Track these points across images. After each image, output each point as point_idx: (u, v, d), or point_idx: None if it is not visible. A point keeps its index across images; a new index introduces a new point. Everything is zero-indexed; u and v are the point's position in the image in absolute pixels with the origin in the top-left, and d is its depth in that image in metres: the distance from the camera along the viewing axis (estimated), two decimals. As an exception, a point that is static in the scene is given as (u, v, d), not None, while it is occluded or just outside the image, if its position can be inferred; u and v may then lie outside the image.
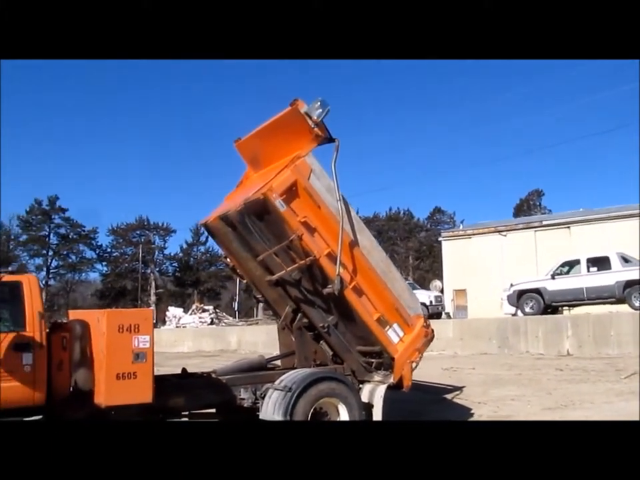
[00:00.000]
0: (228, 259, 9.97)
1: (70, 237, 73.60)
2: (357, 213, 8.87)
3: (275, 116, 8.52)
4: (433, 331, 9.08)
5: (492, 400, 11.96)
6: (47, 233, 72.93)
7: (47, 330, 7.21)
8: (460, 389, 13.17)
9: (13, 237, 72.67)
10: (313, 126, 8.03)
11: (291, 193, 7.93)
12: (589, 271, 20.68)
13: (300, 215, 7.98)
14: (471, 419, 10.38)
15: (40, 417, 6.91)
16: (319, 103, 7.99)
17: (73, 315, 8.10)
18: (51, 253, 73.42)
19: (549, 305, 21.31)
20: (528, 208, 73.61)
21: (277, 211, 7.82)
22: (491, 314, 26.81)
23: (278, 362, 9.83)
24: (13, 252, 70.85)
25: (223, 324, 37.50)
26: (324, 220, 8.17)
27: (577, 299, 20.92)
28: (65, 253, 73.87)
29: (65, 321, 7.93)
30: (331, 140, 8.36)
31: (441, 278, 39.08)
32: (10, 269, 7.73)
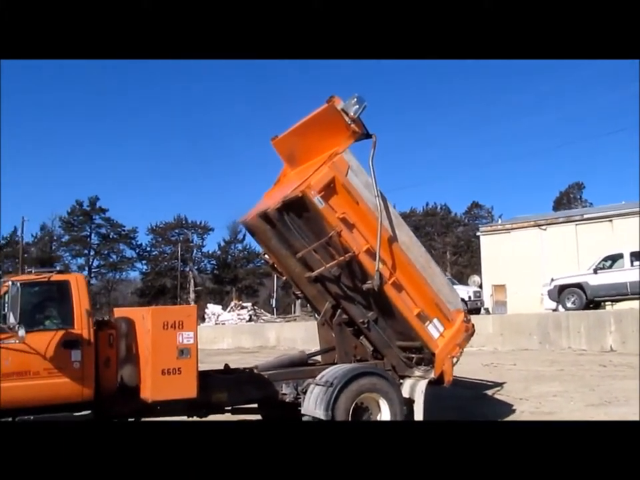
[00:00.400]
0: (267, 256, 10.06)
1: (110, 236, 74.90)
2: (394, 208, 8.86)
3: (311, 113, 8.56)
4: (473, 325, 9.03)
5: (534, 396, 11.84)
6: (88, 233, 74.44)
7: (94, 327, 7.37)
8: (501, 385, 13.06)
9: (55, 238, 74.34)
10: (349, 122, 8.04)
11: (329, 189, 7.97)
12: (632, 265, 20.22)
13: (338, 212, 8.02)
14: (513, 416, 10.31)
15: (88, 412, 7.07)
16: (355, 99, 8.00)
17: (118, 312, 8.31)
18: (92, 252, 74.94)
19: (591, 300, 20.91)
20: (568, 201, 72.39)
21: (316, 208, 7.87)
22: (530, 309, 26.48)
23: (318, 357, 9.90)
24: (56, 252, 72.44)
25: (261, 321, 37.78)
26: (362, 216, 8.19)
27: (620, 293, 20.50)
28: (105, 252, 75.25)
29: (110, 319, 8.13)
30: (368, 136, 8.36)
31: (479, 273, 38.66)
32: (58, 268, 7.90)
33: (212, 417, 8.29)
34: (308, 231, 8.31)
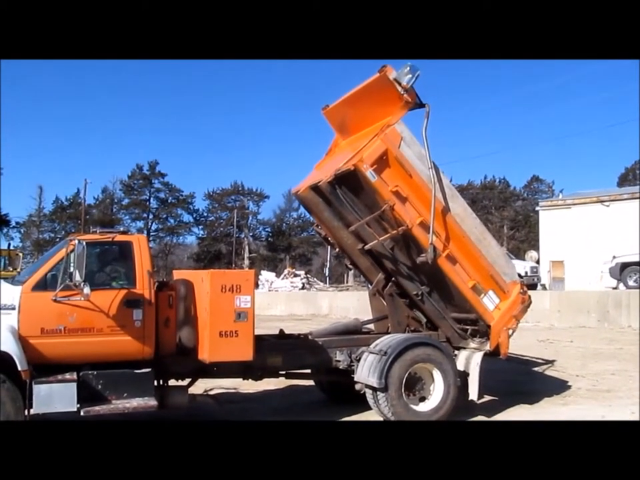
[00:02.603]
0: (319, 228, 10.00)
1: (169, 201, 76.37)
2: (451, 180, 8.67)
3: (363, 83, 8.36)
4: (530, 297, 8.86)
5: (591, 374, 11.65)
6: (147, 197, 76.04)
7: (155, 288, 7.52)
8: (554, 362, 12.86)
9: (116, 201, 76.23)
10: (402, 92, 7.84)
11: (381, 162, 7.84)
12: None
13: (391, 185, 7.89)
14: (569, 392, 10.18)
15: (149, 370, 7.27)
16: (408, 68, 7.78)
17: (178, 274, 8.47)
18: (151, 216, 76.63)
19: (655, 279, 20.38)
20: (634, 178, 69.79)
21: (368, 182, 7.77)
22: (588, 286, 25.89)
23: (371, 325, 9.91)
24: (116, 215, 74.32)
25: (314, 289, 38.07)
26: (415, 188, 8.05)
27: (685, 273, 19.88)
28: (164, 216, 76.82)
29: (170, 280, 8.29)
30: (421, 105, 8.16)
31: (536, 248, 37.93)
32: (122, 229, 8.08)
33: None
34: (360, 204, 8.25)
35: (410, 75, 7.79)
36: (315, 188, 8.63)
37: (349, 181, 7.98)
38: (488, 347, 8.38)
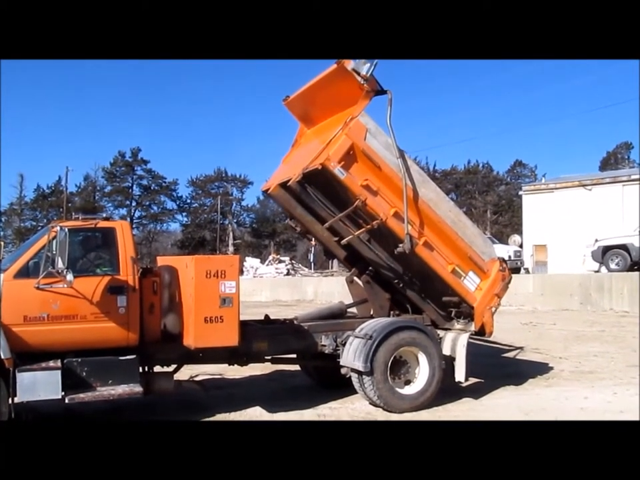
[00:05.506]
0: (293, 223, 9.70)
1: (152, 188, 75.76)
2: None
3: (321, 74, 8.21)
4: (510, 273, 8.91)
5: (573, 356, 11.78)
6: (130, 184, 75.37)
7: (139, 274, 7.45)
8: (540, 343, 12.99)
9: (98, 188, 75.49)
10: (362, 82, 7.74)
11: (349, 157, 7.75)
12: (680, 227, 19.75)
13: (361, 179, 7.81)
14: (552, 373, 10.28)
15: (134, 356, 7.23)
16: (364, 59, 7.71)
17: (162, 260, 8.41)
18: (134, 203, 76.02)
19: (636, 262, 20.57)
20: (616, 162, 70.31)
21: (338, 179, 7.70)
22: (571, 270, 26.12)
23: (355, 310, 9.92)
24: (99, 202, 73.61)
25: (299, 275, 38.06)
26: (386, 179, 7.98)
27: (666, 256, 20.08)
28: (147, 203, 76.24)
29: (154, 267, 8.22)
30: (383, 92, 8.04)
31: (520, 232, 38.14)
32: (105, 215, 7.99)
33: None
34: (332, 201, 8.22)
35: (368, 65, 7.69)
36: (285, 186, 8.46)
37: (318, 178, 7.90)
38: (473, 328, 8.47)
